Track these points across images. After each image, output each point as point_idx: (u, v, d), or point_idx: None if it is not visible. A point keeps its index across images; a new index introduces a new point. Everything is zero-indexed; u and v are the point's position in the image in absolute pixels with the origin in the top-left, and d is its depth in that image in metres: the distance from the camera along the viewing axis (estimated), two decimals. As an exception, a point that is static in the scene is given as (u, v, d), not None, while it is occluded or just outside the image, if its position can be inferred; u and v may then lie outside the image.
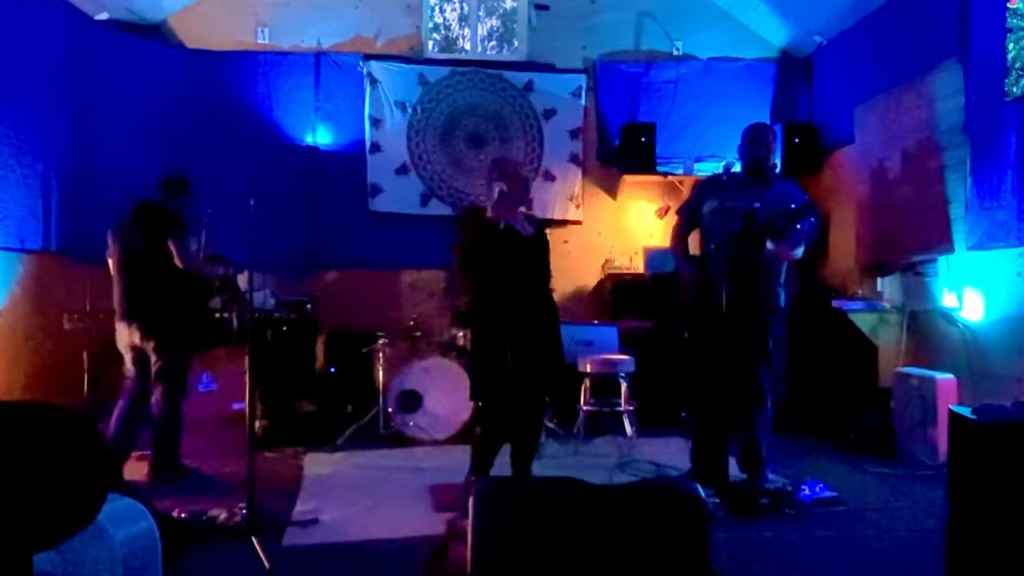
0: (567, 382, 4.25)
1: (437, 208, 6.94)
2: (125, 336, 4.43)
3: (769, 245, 3.92)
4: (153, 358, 4.42)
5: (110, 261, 4.54)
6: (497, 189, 3.92)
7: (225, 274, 4.55)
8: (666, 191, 7.19)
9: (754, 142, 4.19)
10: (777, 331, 4.18)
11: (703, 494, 2.30)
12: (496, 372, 3.85)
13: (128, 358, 4.48)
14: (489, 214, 3.93)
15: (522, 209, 4.08)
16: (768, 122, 6.79)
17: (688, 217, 4.40)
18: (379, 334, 5.80)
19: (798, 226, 3.85)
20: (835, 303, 5.53)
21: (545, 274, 4.04)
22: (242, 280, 4.35)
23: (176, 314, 4.41)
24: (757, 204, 3.92)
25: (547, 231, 4.13)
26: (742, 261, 3.93)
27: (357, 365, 6.06)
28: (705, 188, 4.40)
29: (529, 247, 3.94)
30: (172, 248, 4.31)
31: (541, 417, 4.14)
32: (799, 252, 4.08)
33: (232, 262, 4.55)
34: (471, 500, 2.22)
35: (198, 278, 4.48)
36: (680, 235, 4.43)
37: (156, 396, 4.47)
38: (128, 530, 2.48)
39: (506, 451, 4.04)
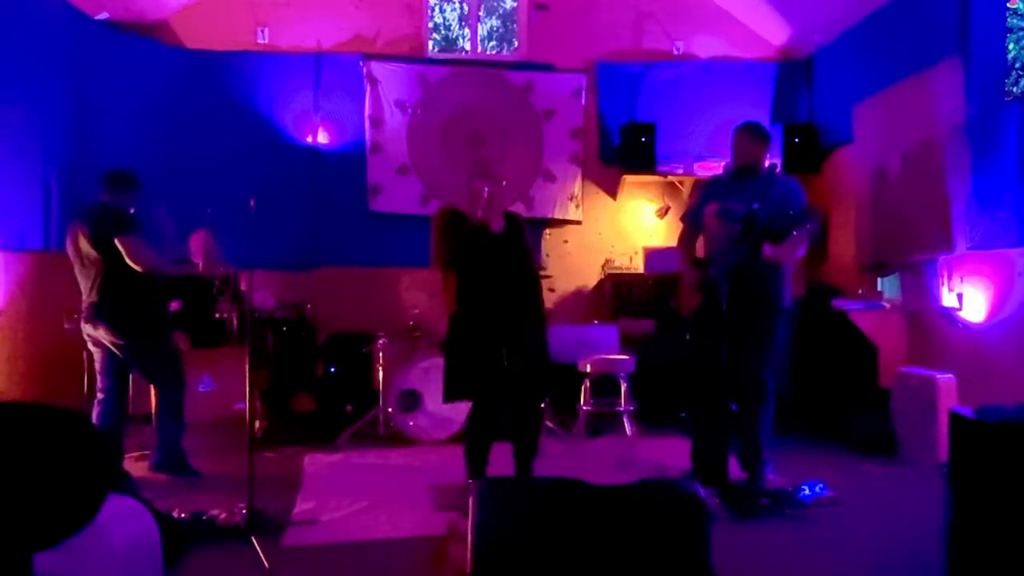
0: (552, 378, 4.25)
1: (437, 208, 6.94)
2: (92, 336, 4.37)
3: (767, 250, 3.93)
4: (129, 361, 4.38)
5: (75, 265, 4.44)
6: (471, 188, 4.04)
7: (226, 275, 4.54)
8: (666, 191, 7.19)
9: (736, 145, 4.23)
10: (779, 331, 4.18)
11: (703, 494, 2.30)
12: (470, 370, 3.89)
13: (97, 356, 4.42)
14: (479, 213, 3.98)
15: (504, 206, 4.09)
16: (768, 122, 6.80)
17: (692, 223, 4.41)
18: (379, 334, 5.80)
19: (794, 232, 3.88)
20: (835, 303, 5.52)
21: (519, 269, 4.04)
22: (242, 280, 4.33)
23: (138, 312, 4.33)
24: (756, 205, 3.92)
25: (546, 228, 4.13)
26: (743, 263, 3.93)
27: (357, 365, 6.07)
28: (707, 192, 4.40)
29: (500, 243, 3.97)
30: (120, 246, 4.21)
31: (536, 415, 4.12)
32: (799, 252, 4.09)
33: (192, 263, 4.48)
34: (471, 500, 2.22)
35: (152, 274, 4.36)
36: (686, 242, 4.45)
37: (154, 397, 4.46)
38: (128, 530, 2.48)
39: (508, 452, 4.04)
